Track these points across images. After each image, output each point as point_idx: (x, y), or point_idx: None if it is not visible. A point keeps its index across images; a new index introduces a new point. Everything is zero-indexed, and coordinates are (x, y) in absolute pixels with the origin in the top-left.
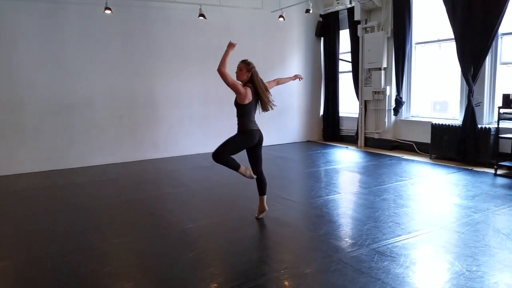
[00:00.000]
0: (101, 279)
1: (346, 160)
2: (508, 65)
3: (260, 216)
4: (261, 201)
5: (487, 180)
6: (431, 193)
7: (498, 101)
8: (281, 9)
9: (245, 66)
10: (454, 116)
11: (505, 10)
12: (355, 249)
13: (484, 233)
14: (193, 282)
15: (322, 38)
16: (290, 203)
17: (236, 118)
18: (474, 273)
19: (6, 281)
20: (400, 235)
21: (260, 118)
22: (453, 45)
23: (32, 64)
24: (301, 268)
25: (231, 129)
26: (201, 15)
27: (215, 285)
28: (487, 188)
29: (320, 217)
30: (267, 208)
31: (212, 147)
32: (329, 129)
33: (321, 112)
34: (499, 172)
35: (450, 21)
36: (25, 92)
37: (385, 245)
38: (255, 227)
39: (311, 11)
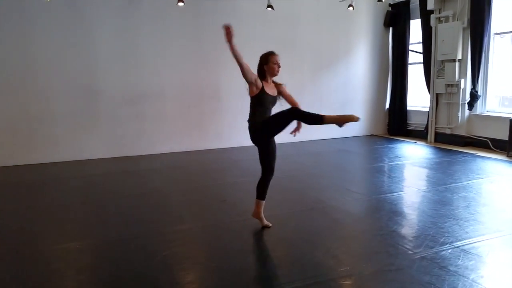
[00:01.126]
0: (181, 262)
1: (416, 156)
2: None
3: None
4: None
5: None
6: None
7: None
8: None
9: None
10: None
11: None
12: (437, 246)
13: None
14: (267, 273)
15: (391, 28)
16: (361, 197)
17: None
18: None
19: (90, 259)
20: (484, 234)
21: (323, 110)
22: None
23: (108, 55)
24: (382, 263)
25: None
26: (269, 6)
27: (291, 276)
28: None
29: (395, 213)
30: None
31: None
32: (395, 123)
33: (387, 105)
34: None
35: None
36: (101, 81)
37: (470, 243)
38: (328, 219)
39: (383, 0)
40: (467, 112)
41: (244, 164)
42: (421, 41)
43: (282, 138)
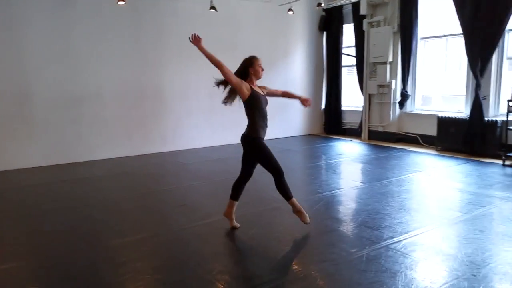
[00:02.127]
0: (153, 272)
1: (354, 153)
2: None
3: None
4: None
5: (497, 170)
6: (449, 182)
7: (504, 95)
8: (290, 2)
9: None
10: (459, 109)
11: None
12: (397, 236)
13: None
14: (244, 274)
15: (325, 32)
16: (315, 195)
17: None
18: None
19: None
20: (434, 223)
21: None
22: (456, 40)
23: (41, 57)
24: (352, 255)
25: (237, 122)
26: (212, 7)
27: (268, 276)
28: (501, 178)
29: (351, 207)
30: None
31: (218, 140)
32: (331, 122)
33: (323, 106)
34: (507, 162)
35: (458, 16)
36: (33, 85)
37: (424, 232)
38: (291, 217)
39: (322, 5)
40: (397, 110)
41: (193, 167)
42: (354, 44)
43: (226, 139)
